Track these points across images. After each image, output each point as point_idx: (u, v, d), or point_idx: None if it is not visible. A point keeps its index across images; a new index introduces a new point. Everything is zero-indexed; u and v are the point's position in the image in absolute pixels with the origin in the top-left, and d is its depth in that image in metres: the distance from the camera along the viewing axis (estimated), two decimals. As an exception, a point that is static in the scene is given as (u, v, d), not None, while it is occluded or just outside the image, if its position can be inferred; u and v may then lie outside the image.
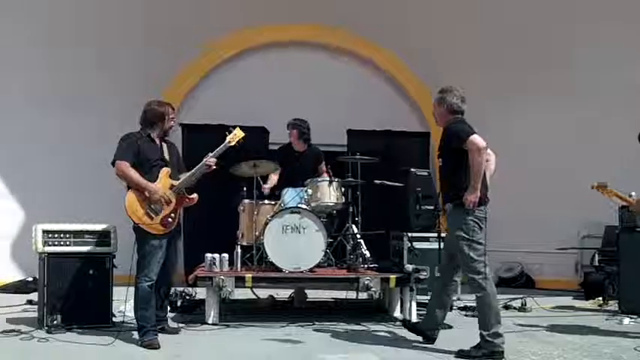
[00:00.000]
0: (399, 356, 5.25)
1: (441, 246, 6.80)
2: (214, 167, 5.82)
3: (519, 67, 10.43)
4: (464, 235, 5.32)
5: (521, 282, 10.43)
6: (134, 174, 5.56)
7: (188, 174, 5.82)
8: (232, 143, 5.90)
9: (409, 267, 6.76)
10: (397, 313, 7.02)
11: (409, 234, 7.38)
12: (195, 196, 5.86)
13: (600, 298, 8.31)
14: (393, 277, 6.68)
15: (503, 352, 5.19)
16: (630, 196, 6.76)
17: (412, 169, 7.77)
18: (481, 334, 5.26)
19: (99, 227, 6.29)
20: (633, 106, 9.94)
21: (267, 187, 7.51)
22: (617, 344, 5.83)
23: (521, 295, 8.23)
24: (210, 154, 5.81)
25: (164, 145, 5.83)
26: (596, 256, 9.11)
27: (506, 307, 7.87)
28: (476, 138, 5.24)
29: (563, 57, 10.36)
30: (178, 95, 9.97)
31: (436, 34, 10.51)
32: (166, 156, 5.79)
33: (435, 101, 5.64)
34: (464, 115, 5.55)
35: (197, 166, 5.79)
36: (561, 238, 9.92)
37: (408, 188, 7.67)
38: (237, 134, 5.95)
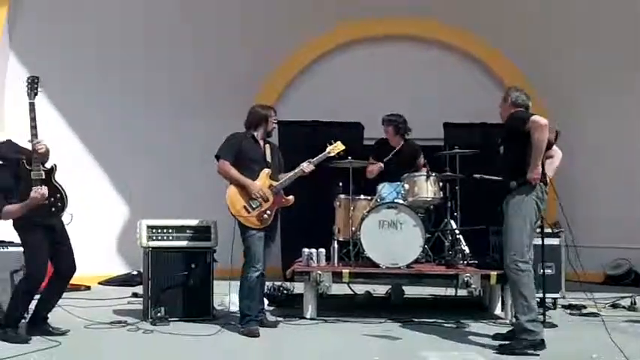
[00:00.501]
0: (502, 355, 5.10)
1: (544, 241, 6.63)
2: (307, 173, 6.05)
3: (611, 63, 10.00)
4: (521, 214, 5.32)
5: (629, 280, 9.97)
6: (234, 172, 5.88)
7: (287, 176, 6.04)
8: (332, 154, 6.20)
9: (510, 264, 6.57)
10: (498, 311, 6.85)
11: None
12: (291, 197, 6.04)
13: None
14: (493, 273, 6.51)
15: (544, 340, 5.12)
16: None
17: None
18: (518, 322, 5.19)
19: (200, 222, 6.45)
20: None
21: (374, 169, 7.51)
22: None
23: (631, 294, 7.85)
24: (310, 160, 6.02)
25: (267, 146, 6.10)
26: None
27: (614, 306, 7.55)
28: (537, 116, 5.33)
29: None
30: (273, 93, 10.10)
31: (533, 24, 10.20)
32: (268, 157, 6.07)
33: (502, 100, 5.75)
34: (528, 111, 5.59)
35: (295, 170, 6.04)
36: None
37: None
38: (338, 146, 6.24)
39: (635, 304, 7.47)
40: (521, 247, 5.31)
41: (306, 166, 6.02)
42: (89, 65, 9.16)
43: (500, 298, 6.83)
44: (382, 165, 7.55)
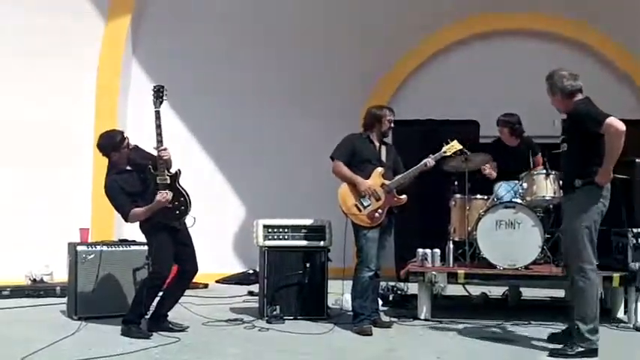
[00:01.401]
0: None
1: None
2: (428, 169, 5.99)
3: None
4: (588, 217, 5.03)
5: None
6: (346, 170, 5.98)
7: (401, 175, 6.02)
8: (448, 154, 6.14)
9: (634, 265, 6.31)
10: (621, 314, 6.59)
11: (634, 229, 6.86)
12: (404, 197, 6.03)
13: None
14: (616, 275, 6.28)
15: (597, 349, 4.93)
16: None
17: (638, 160, 7.23)
18: (578, 329, 4.97)
19: (314, 222, 6.54)
20: None
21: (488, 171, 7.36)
22: None
23: None
24: (431, 156, 5.99)
25: (383, 147, 6.13)
26: None
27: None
28: (614, 121, 4.91)
29: None
30: (386, 92, 10.12)
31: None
32: (383, 157, 6.10)
33: (548, 92, 5.31)
34: (583, 93, 5.22)
35: (413, 168, 6.00)
36: None
37: (633, 180, 7.16)
38: (454, 146, 6.19)
39: None
40: (588, 253, 5.04)
41: (429, 162, 5.97)
42: (206, 68, 9.43)
43: (623, 301, 6.56)
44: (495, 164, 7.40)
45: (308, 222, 6.55)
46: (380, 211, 5.91)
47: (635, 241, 6.77)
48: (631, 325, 6.21)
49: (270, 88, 9.80)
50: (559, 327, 6.05)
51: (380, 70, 10.16)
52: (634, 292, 6.26)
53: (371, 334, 5.70)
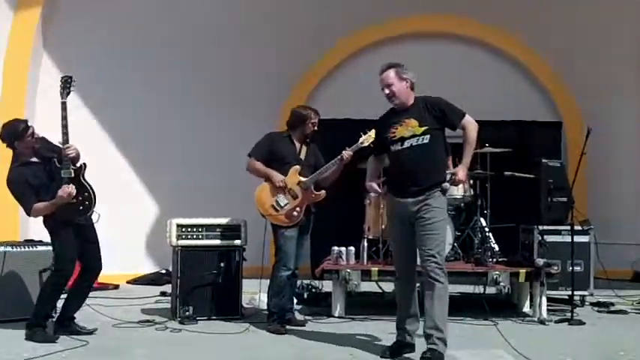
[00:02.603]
0: (529, 352, 5.07)
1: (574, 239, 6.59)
2: (346, 161, 5.92)
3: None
4: (443, 217, 4.98)
5: (657, 277, 9.89)
6: (259, 166, 5.96)
7: (318, 170, 5.97)
8: (365, 144, 5.90)
9: (540, 261, 6.55)
10: (526, 309, 6.86)
11: (540, 227, 7.14)
12: (322, 192, 6.02)
13: None
14: (522, 271, 6.51)
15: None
16: None
17: (544, 160, 7.51)
18: (429, 335, 4.74)
19: (230, 221, 6.48)
20: None
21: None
22: None
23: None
24: (347, 148, 5.89)
25: (304, 148, 6.09)
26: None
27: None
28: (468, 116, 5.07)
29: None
30: (304, 91, 10.13)
31: (568, 24, 10.12)
32: (302, 157, 6.06)
33: (394, 75, 4.99)
34: None
35: (328, 164, 5.95)
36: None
37: (539, 180, 7.43)
38: (372, 135, 5.99)
39: (665, 301, 7.41)
40: (443, 252, 4.97)
41: (346, 154, 5.86)
42: (120, 64, 9.19)
43: (528, 296, 6.81)
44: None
45: (223, 221, 6.48)
46: (298, 209, 5.88)
47: (540, 238, 7.07)
48: (536, 319, 6.46)
49: (186, 86, 9.64)
50: (468, 322, 6.24)
51: (297, 70, 10.15)
52: (539, 287, 6.50)
53: (285, 333, 5.71)
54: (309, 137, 6.13)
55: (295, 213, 5.87)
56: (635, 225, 9.89)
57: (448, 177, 4.95)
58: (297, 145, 6.07)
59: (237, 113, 9.70)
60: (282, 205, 5.87)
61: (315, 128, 6.11)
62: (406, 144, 4.92)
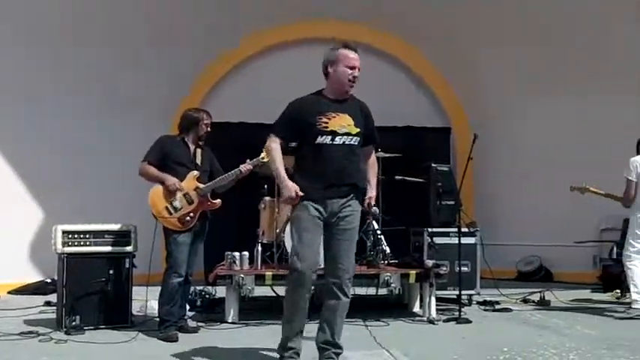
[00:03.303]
0: (419, 352, 5.21)
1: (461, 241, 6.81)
2: (244, 175, 5.94)
3: (538, 66, 10.36)
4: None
5: (540, 276, 10.39)
6: (152, 170, 5.84)
7: (217, 179, 5.94)
8: (265, 160, 5.88)
9: (429, 262, 6.77)
10: (416, 309, 7.05)
11: (429, 229, 7.34)
12: (218, 201, 5.97)
13: (618, 291, 8.26)
14: (412, 272, 6.68)
15: None
16: None
17: (433, 165, 7.74)
18: (327, 349, 4.66)
19: (118, 227, 6.29)
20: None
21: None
22: (635, 336, 5.80)
23: (540, 289, 8.20)
24: (248, 161, 5.92)
25: (198, 151, 6.02)
26: (615, 248, 9.04)
27: (525, 301, 7.89)
28: None
29: (582, 58, 10.19)
30: (199, 94, 10.01)
31: (459, 29, 10.48)
32: (198, 161, 5.98)
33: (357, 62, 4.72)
34: None
35: (227, 174, 5.93)
36: (581, 231, 9.82)
37: (428, 184, 7.64)
38: None
39: (544, 298, 7.80)
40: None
41: (244, 167, 5.90)
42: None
43: (418, 296, 7.00)
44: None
45: (112, 227, 6.27)
46: (192, 214, 5.81)
47: (430, 240, 7.27)
48: (425, 319, 6.63)
49: (77, 87, 9.31)
50: (362, 324, 6.32)
51: (193, 72, 10.02)
52: (428, 288, 6.68)
53: (177, 340, 5.59)
54: (203, 139, 6.07)
55: (189, 218, 5.79)
56: (519, 226, 10.36)
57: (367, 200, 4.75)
58: (192, 148, 5.99)
59: (131, 115, 9.47)
60: (177, 208, 5.78)
61: (209, 129, 6.06)
62: (338, 140, 4.56)
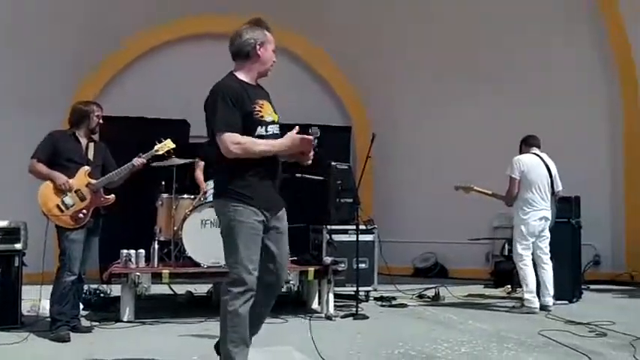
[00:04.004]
0: (318, 348, 5.26)
1: (359, 238, 6.94)
2: (140, 168, 5.84)
3: (438, 70, 10.66)
4: None
5: (435, 272, 10.71)
6: (41, 168, 5.66)
7: (109, 174, 5.81)
8: (159, 152, 6.00)
9: (327, 259, 6.84)
10: (315, 305, 7.13)
11: (328, 227, 7.43)
12: (112, 196, 5.86)
13: (509, 286, 8.63)
14: (311, 269, 6.75)
15: None
16: None
17: (333, 163, 7.82)
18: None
19: (6, 224, 6.06)
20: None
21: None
22: (523, 330, 6.06)
23: (435, 285, 8.44)
24: (141, 155, 5.83)
25: (90, 145, 5.87)
26: (506, 245, 9.42)
27: (421, 297, 8.10)
28: None
29: (479, 63, 10.55)
30: (97, 86, 9.75)
31: (361, 32, 10.65)
32: (90, 155, 5.84)
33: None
34: None
35: (120, 168, 5.81)
36: (474, 228, 10.18)
37: (328, 181, 7.72)
38: (167, 144, 6.07)
39: (439, 293, 8.05)
40: None
41: (137, 161, 5.80)
42: None
43: (317, 293, 7.09)
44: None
45: (1, 224, 6.04)
46: (85, 211, 5.66)
47: (329, 237, 7.36)
48: (323, 315, 6.72)
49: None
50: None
51: (87, 66, 9.76)
52: (326, 285, 6.77)
53: (69, 341, 5.45)
54: (96, 132, 5.96)
55: (81, 215, 5.65)
56: (415, 224, 10.64)
57: None
58: (84, 143, 5.84)
59: (22, 110, 9.15)
60: (69, 205, 5.62)
61: (101, 121, 5.94)
62: (270, 129, 4.12)
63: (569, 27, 10.24)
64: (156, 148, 5.97)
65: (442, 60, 10.61)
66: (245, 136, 3.96)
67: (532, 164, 7.27)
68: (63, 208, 5.61)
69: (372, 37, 10.70)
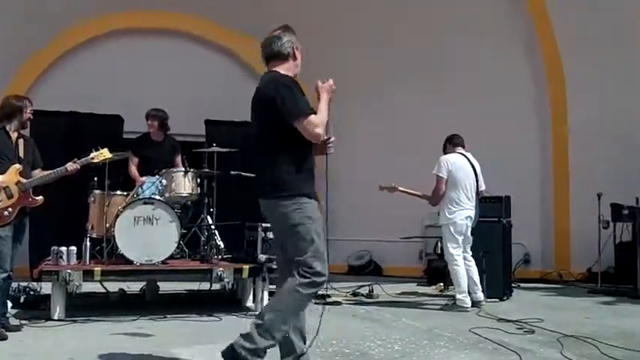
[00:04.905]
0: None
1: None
2: (70, 173, 5.77)
3: (376, 67, 10.78)
4: None
5: (369, 269, 10.84)
6: None
7: (42, 174, 5.75)
8: (95, 161, 5.93)
9: (262, 257, 6.84)
10: (250, 303, 7.14)
11: (263, 224, 7.43)
12: (40, 198, 5.75)
13: (441, 284, 8.80)
14: (245, 267, 6.75)
15: None
16: None
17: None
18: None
19: None
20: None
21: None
22: (455, 327, 6.20)
23: (369, 283, 8.54)
24: (76, 160, 5.76)
25: (20, 141, 5.76)
26: (439, 244, 9.59)
27: (355, 294, 8.19)
28: None
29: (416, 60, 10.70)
30: (26, 82, 9.52)
31: (299, 27, 10.63)
32: (21, 152, 5.74)
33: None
34: None
35: (54, 170, 5.73)
36: (407, 227, 10.30)
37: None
38: (104, 154, 6.00)
39: (372, 291, 8.17)
40: None
41: (71, 166, 5.73)
42: None
43: (252, 291, 7.09)
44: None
45: None
46: (10, 209, 5.54)
47: (264, 235, 7.35)
48: (257, 313, 6.70)
49: None
50: (195, 319, 6.33)
51: (19, 59, 9.52)
52: (261, 282, 6.78)
53: (6, 339, 5.34)
54: (26, 126, 5.87)
55: (7, 213, 5.53)
56: (350, 222, 10.72)
57: None
58: (14, 138, 5.73)
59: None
60: None
61: (31, 117, 5.84)
62: None
63: (499, 26, 10.51)
64: (92, 155, 5.90)
65: (382, 56, 10.72)
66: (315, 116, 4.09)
67: (459, 164, 7.40)
68: None
69: (309, 31, 10.72)
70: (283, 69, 4.31)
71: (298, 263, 4.08)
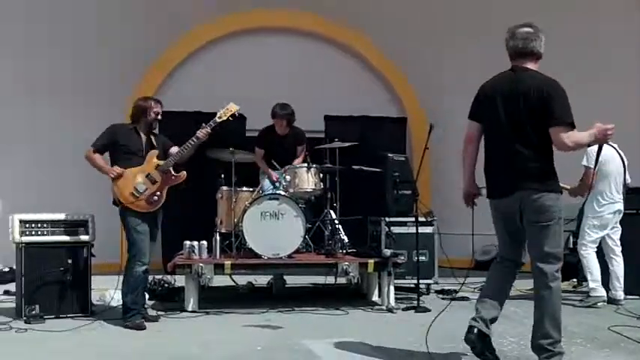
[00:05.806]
0: (380, 340, 5.28)
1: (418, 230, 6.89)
2: (203, 139, 5.97)
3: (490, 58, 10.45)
4: None
5: (498, 265, 10.53)
6: (96, 158, 5.89)
7: (176, 152, 5.99)
8: (223, 118, 6.07)
9: (387, 252, 6.81)
10: (375, 298, 7.11)
11: (387, 219, 7.41)
12: (182, 173, 6.00)
13: (575, 280, 8.43)
14: (371, 261, 6.73)
15: None
16: None
17: (389, 154, 7.78)
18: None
19: (76, 216, 6.25)
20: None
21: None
22: (591, 324, 5.93)
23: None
24: (204, 125, 5.98)
25: (151, 138, 6.03)
26: (571, 238, 9.22)
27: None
28: None
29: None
30: (152, 84, 9.94)
31: (412, 22, 10.56)
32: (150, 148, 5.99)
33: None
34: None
35: (186, 144, 5.96)
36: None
37: (385, 173, 7.70)
38: (230, 108, 6.12)
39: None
40: None
41: (201, 132, 5.95)
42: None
43: (377, 285, 7.06)
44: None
45: (69, 216, 6.24)
46: (158, 193, 5.85)
47: (387, 230, 7.34)
48: (384, 307, 6.71)
49: (35, 78, 9.27)
50: (322, 312, 6.40)
51: (146, 62, 9.96)
52: (387, 277, 6.74)
53: (145, 328, 5.63)
54: (155, 127, 6.12)
55: (156, 197, 5.84)
56: (475, 216, 10.46)
57: None
58: (144, 137, 6.00)
59: (88, 103, 9.41)
60: (141, 191, 5.81)
61: (159, 117, 6.07)
62: None
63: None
64: (219, 114, 6.03)
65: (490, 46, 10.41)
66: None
67: (609, 155, 6.99)
68: (136, 194, 5.80)
69: (422, 26, 10.61)
70: (536, 68, 4.42)
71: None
